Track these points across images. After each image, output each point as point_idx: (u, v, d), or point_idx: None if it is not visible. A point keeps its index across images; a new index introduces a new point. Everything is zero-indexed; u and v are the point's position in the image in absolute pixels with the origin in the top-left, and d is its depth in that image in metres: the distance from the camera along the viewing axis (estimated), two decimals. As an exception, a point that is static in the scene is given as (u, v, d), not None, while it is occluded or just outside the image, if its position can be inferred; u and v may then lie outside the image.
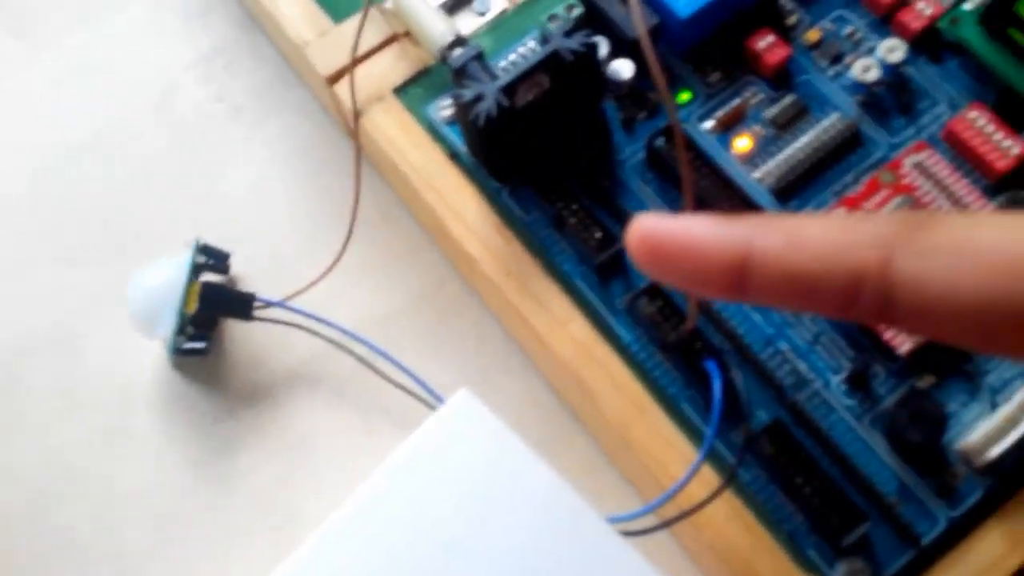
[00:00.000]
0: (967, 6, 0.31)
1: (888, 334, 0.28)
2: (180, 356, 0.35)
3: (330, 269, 0.35)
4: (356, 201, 0.34)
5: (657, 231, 0.19)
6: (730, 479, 0.26)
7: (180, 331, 0.34)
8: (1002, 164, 0.30)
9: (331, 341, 0.35)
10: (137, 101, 0.40)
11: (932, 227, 0.18)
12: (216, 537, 0.33)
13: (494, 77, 0.31)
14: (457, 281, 0.36)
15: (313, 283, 0.35)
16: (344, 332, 0.35)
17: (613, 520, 0.27)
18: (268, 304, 0.34)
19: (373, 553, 0.22)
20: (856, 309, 0.18)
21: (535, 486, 0.23)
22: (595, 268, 0.30)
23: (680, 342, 0.28)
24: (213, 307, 0.34)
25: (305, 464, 0.34)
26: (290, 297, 0.35)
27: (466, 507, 0.23)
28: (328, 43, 0.35)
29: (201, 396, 0.35)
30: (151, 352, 0.35)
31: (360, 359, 0.35)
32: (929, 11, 0.32)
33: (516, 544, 0.22)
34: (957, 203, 0.29)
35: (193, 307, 0.33)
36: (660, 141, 0.31)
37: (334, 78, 0.35)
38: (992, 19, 0.30)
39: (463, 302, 0.36)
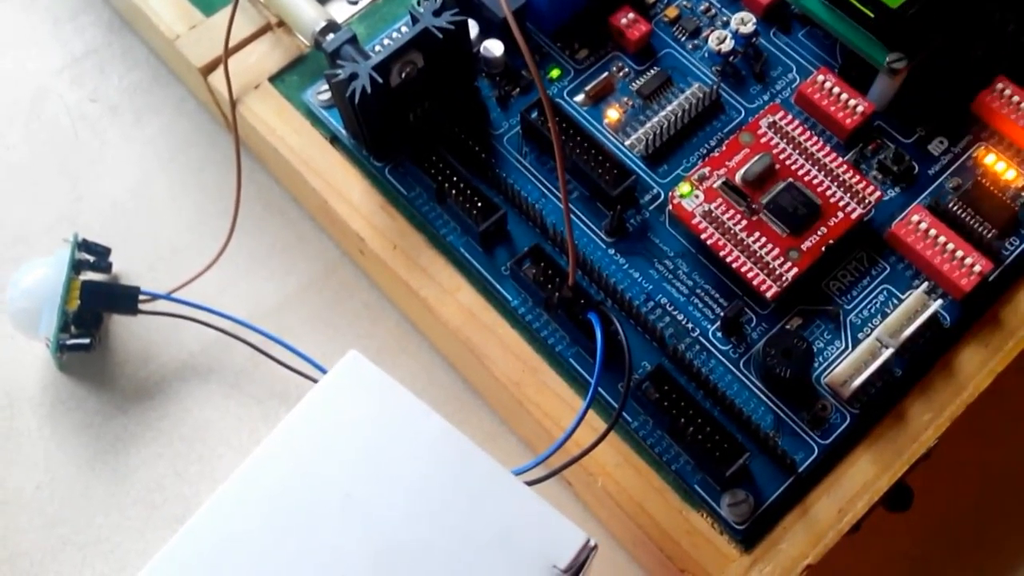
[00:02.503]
0: (809, -23, 0.33)
1: (756, 280, 0.30)
2: (65, 354, 0.34)
3: (216, 260, 0.35)
4: (238, 191, 0.35)
5: None
6: (615, 421, 0.27)
7: (63, 329, 0.33)
8: (850, 122, 0.33)
9: (222, 331, 0.35)
10: (7, 105, 0.39)
11: None
12: (113, 534, 0.32)
13: (368, 58, 0.32)
14: (348, 265, 0.36)
15: (199, 274, 0.35)
16: (235, 321, 0.34)
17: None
18: (154, 297, 0.34)
19: (271, 513, 0.22)
20: None
21: (428, 436, 0.23)
22: (478, 237, 0.31)
23: (563, 300, 0.29)
24: (96, 303, 0.33)
25: (201, 455, 0.34)
26: (176, 289, 0.34)
27: (363, 462, 0.23)
28: (200, 35, 0.36)
29: (90, 394, 0.34)
30: (35, 353, 0.35)
31: (254, 347, 0.35)
32: (776, -16, 0.35)
33: (414, 493, 0.23)
34: (811, 159, 0.31)
35: (75, 304, 0.33)
36: (533, 114, 0.33)
37: (208, 69, 0.35)
38: (831, -13, 0.32)
39: (355, 285, 0.36)
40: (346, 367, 0.24)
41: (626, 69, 0.34)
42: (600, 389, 0.29)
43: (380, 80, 0.30)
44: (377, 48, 0.34)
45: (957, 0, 0.32)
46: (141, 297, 0.34)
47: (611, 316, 0.28)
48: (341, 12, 0.36)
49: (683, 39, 0.35)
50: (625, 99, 0.34)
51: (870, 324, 0.30)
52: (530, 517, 0.23)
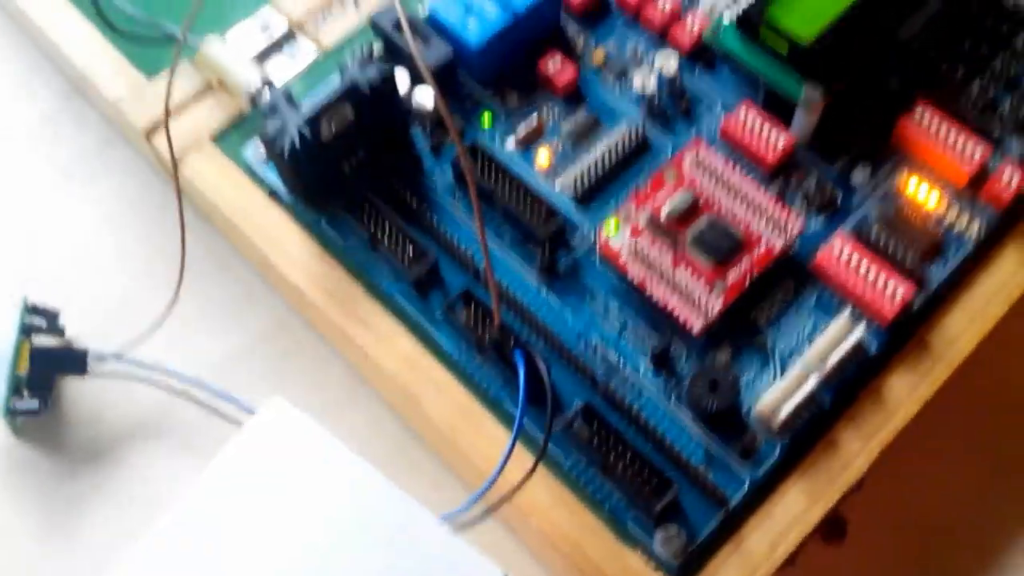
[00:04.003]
0: (726, 18, 0.34)
1: (682, 315, 0.30)
2: (15, 418, 0.34)
3: (164, 318, 0.35)
4: (183, 249, 0.35)
5: None
6: (541, 456, 0.27)
7: (13, 393, 0.34)
8: (773, 155, 0.33)
9: (171, 390, 0.36)
10: (-41, 172, 0.40)
11: None
12: (65, 596, 0.33)
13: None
14: (295, 319, 0.37)
15: (148, 334, 0.35)
16: (184, 379, 0.35)
17: (443, 517, 0.28)
18: (103, 358, 0.35)
19: (192, 560, 0.23)
20: None
21: (350, 480, 0.24)
22: (412, 283, 0.32)
23: (494, 342, 0.30)
24: (46, 365, 0.34)
25: (152, 515, 0.34)
26: (126, 349, 0.35)
27: (285, 507, 0.24)
28: (143, 98, 0.37)
29: (42, 458, 0.35)
30: (-15, 417, 0.35)
31: (203, 404, 0.35)
32: (697, 26, 0.36)
33: (335, 536, 0.23)
34: (734, 192, 0.32)
35: (24, 367, 0.34)
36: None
37: (151, 131, 0.36)
38: (747, 25, 0.33)
39: (303, 339, 0.37)
40: (270, 413, 0.25)
41: (556, 113, 0.35)
42: (537, 429, 0.30)
43: (310, 134, 0.31)
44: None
45: (870, 33, 0.33)
46: (90, 358, 0.34)
47: (535, 355, 0.29)
48: (283, 69, 0.37)
49: (610, 81, 0.36)
50: (555, 141, 0.35)
51: (798, 353, 0.31)
52: (448, 556, 0.23)
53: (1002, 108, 0.34)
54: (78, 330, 0.37)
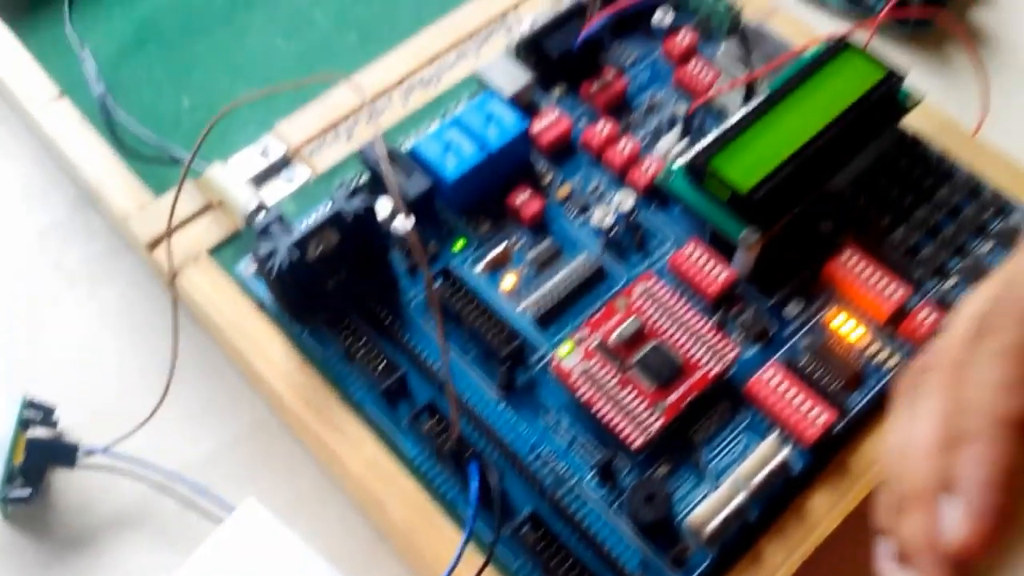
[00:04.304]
0: (677, 164, 0.38)
1: (625, 432, 0.33)
2: (7, 505, 0.37)
3: (151, 416, 0.38)
4: (175, 352, 0.38)
5: None
6: (489, 559, 0.30)
7: (8, 481, 0.36)
8: (714, 288, 0.37)
9: (154, 484, 0.38)
10: (-27, 273, 0.44)
11: None
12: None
13: (291, 235, 0.36)
14: (274, 421, 0.40)
15: (135, 430, 0.38)
16: (166, 474, 0.38)
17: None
18: (92, 452, 0.38)
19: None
20: None
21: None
22: (382, 393, 0.35)
23: (453, 451, 0.33)
24: (39, 456, 0.37)
25: (130, 604, 0.36)
26: (114, 444, 0.38)
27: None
28: (148, 214, 0.40)
29: (29, 545, 0.37)
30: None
31: (183, 499, 0.38)
32: (652, 169, 0.40)
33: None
34: (678, 322, 0.35)
35: (20, 458, 0.36)
36: (436, 283, 0.37)
37: (153, 244, 0.40)
38: (694, 172, 0.37)
39: (281, 440, 0.40)
40: (243, 515, 0.28)
41: (522, 241, 0.39)
42: (491, 532, 0.32)
43: (298, 255, 0.34)
44: (303, 225, 0.39)
45: (804, 184, 0.37)
46: (80, 451, 0.37)
47: (488, 467, 0.32)
48: (278, 191, 0.41)
49: (573, 214, 0.40)
50: (520, 267, 0.38)
51: (730, 470, 0.34)
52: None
53: (923, 253, 0.38)
54: (71, 424, 0.40)
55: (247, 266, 0.38)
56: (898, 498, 0.25)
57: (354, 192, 0.36)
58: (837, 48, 0.40)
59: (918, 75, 0.49)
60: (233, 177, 0.39)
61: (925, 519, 0.24)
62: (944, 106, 0.43)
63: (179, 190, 0.38)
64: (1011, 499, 0.23)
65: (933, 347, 0.26)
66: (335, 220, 0.35)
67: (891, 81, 0.39)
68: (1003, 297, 0.25)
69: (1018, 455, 0.23)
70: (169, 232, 0.39)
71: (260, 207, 0.38)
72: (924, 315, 0.36)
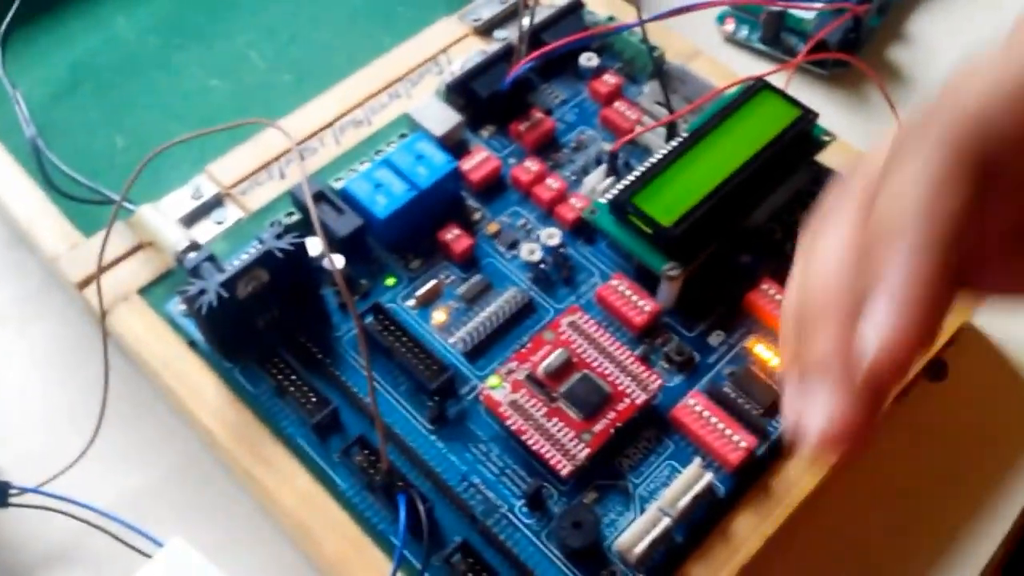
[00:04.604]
0: (602, 200, 0.39)
1: (553, 460, 0.34)
2: (-67, 549, 0.37)
3: (83, 454, 0.38)
4: (105, 390, 0.38)
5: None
6: (417, 590, 0.30)
7: (-67, 524, 0.36)
8: (640, 320, 0.38)
9: (86, 522, 0.38)
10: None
11: None
12: None
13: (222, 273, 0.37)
14: (208, 456, 0.40)
15: (67, 468, 0.38)
16: (99, 512, 0.38)
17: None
18: (23, 491, 0.37)
19: None
20: None
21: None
22: (313, 428, 0.35)
23: (384, 483, 0.33)
24: (-33, 498, 0.36)
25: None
26: (45, 483, 0.38)
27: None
28: (79, 254, 0.40)
29: (-43, 587, 0.37)
30: (-97, 548, 0.37)
31: (116, 538, 0.37)
32: (579, 205, 0.41)
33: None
34: (604, 352, 0.36)
35: (-54, 499, 0.36)
36: (367, 319, 0.37)
37: (83, 284, 0.40)
38: (617, 209, 0.38)
39: (214, 476, 0.40)
40: (168, 555, 0.28)
41: (452, 277, 0.40)
42: (423, 563, 0.33)
43: (227, 295, 0.35)
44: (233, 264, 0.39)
45: (723, 219, 0.38)
46: (11, 491, 0.37)
47: (416, 499, 0.32)
48: (209, 230, 0.41)
49: (503, 250, 0.41)
50: (451, 303, 0.39)
51: (656, 495, 0.35)
52: None
53: (837, 283, 0.39)
54: (1, 463, 0.39)
55: (177, 305, 0.39)
56: (799, 323, 0.22)
57: (285, 231, 0.36)
58: (754, 89, 0.41)
59: (837, 114, 0.51)
60: (164, 217, 0.40)
61: (836, 331, 0.20)
62: (862, 142, 0.45)
63: (109, 230, 0.39)
64: (940, 308, 0.19)
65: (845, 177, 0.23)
66: (265, 259, 0.36)
67: (805, 120, 0.41)
68: (942, 100, 0.22)
69: (948, 265, 0.20)
70: (99, 272, 0.39)
71: (191, 246, 0.39)
72: (839, 342, 0.37)
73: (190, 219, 0.41)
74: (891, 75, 0.53)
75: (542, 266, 0.40)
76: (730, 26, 0.54)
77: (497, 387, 0.36)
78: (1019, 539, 0.40)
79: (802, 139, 0.41)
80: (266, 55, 0.51)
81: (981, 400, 0.41)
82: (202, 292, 0.34)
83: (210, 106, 0.49)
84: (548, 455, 0.34)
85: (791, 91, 0.43)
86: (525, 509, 0.34)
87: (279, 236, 0.36)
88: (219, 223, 0.42)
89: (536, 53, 0.43)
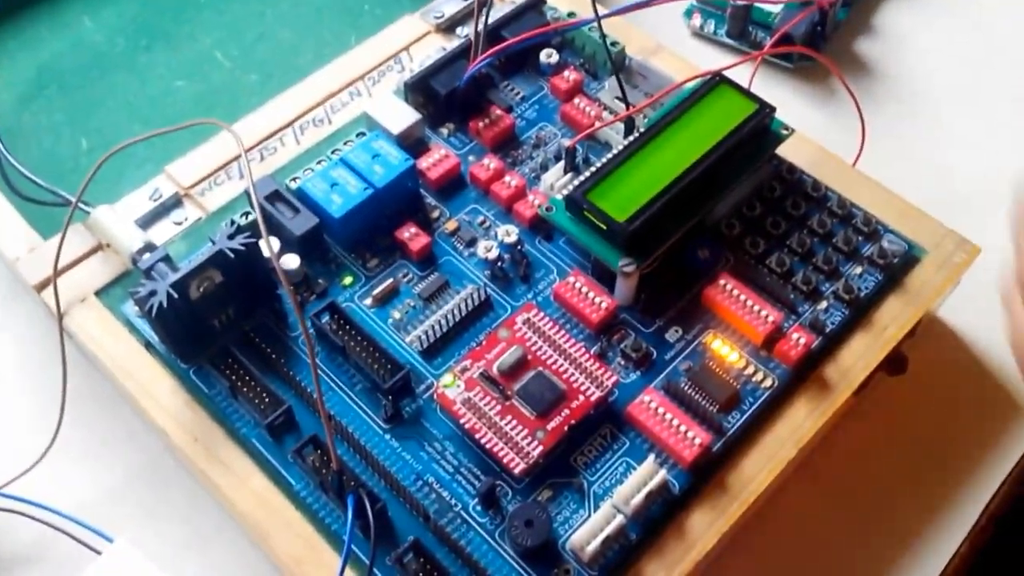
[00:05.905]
0: (558, 197, 0.39)
1: (506, 458, 0.34)
2: None
3: (43, 456, 0.38)
4: (64, 393, 0.38)
5: None
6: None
7: None
8: (596, 316, 0.38)
9: (48, 525, 0.38)
10: None
11: None
12: None
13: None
14: (169, 457, 0.40)
15: (28, 470, 0.38)
16: (60, 515, 0.38)
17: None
18: (-18, 494, 0.37)
19: None
20: None
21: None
22: (266, 428, 0.35)
23: (336, 482, 0.33)
24: (-76, 502, 0.36)
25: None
26: (5, 485, 0.38)
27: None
28: (37, 256, 0.40)
29: (-84, 593, 0.37)
30: None
31: (77, 540, 0.37)
32: (538, 202, 0.41)
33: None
34: (559, 350, 0.36)
35: (-95, 504, 0.36)
36: (323, 318, 0.37)
37: (41, 286, 0.40)
38: (573, 205, 0.38)
39: (175, 476, 0.39)
40: (112, 557, 0.28)
41: (410, 275, 0.40)
42: (370, 562, 0.33)
43: (177, 296, 0.35)
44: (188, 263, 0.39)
45: (679, 214, 0.38)
46: (-32, 494, 0.37)
47: (365, 499, 0.32)
48: (166, 231, 0.41)
49: (460, 248, 0.40)
50: (408, 301, 0.39)
51: (611, 493, 0.34)
52: None
53: (796, 278, 0.39)
54: (-41, 469, 0.39)
55: (133, 306, 0.38)
56: None
57: (238, 231, 0.36)
58: (711, 84, 0.41)
59: (803, 108, 0.51)
60: (120, 219, 0.40)
61: None
62: (827, 136, 0.45)
63: (64, 232, 0.39)
64: None
65: None
66: (217, 259, 0.36)
67: (762, 114, 0.40)
68: None
69: None
70: (56, 274, 0.39)
71: (146, 247, 0.38)
72: (797, 337, 0.37)
73: (149, 220, 0.41)
74: (858, 68, 0.53)
75: (499, 264, 0.40)
76: (697, 20, 0.54)
77: (451, 386, 0.35)
78: (987, 535, 0.40)
79: (760, 133, 0.41)
80: (232, 55, 0.51)
81: (942, 393, 0.41)
82: (152, 293, 0.34)
83: (176, 107, 0.49)
84: (502, 453, 0.34)
85: (756, 85, 0.43)
86: (479, 508, 0.34)
87: (231, 236, 0.36)
88: (178, 223, 0.42)
89: (494, 49, 0.43)
